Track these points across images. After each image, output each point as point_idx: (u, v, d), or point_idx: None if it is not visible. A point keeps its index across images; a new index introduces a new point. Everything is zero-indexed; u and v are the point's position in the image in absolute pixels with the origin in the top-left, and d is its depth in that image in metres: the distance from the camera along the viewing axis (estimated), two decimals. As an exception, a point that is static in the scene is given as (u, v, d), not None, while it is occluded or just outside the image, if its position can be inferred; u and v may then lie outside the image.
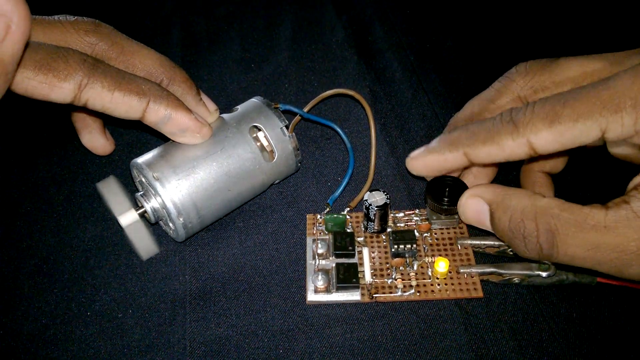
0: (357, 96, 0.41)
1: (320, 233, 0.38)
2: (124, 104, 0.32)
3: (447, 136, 0.34)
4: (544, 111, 0.29)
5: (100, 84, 0.31)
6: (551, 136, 0.29)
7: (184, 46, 0.54)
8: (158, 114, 0.34)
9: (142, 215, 0.36)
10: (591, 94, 0.28)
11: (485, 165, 0.38)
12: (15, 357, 0.34)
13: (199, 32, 0.56)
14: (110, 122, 0.44)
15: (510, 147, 0.31)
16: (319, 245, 0.37)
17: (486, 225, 0.33)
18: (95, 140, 0.42)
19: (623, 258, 0.27)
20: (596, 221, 0.28)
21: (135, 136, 0.46)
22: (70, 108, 0.40)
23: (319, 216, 0.39)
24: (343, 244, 0.37)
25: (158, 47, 0.53)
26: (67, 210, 0.41)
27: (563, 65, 0.34)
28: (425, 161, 0.35)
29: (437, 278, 0.35)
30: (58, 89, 0.30)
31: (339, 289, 0.35)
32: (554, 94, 0.30)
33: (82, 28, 0.35)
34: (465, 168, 0.38)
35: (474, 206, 0.33)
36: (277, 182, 0.40)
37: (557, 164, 0.38)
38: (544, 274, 0.34)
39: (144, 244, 0.36)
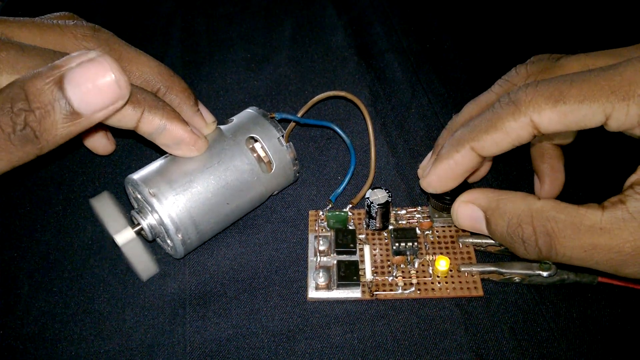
0: (349, 96, 0.42)
1: (322, 230, 0.38)
2: (117, 113, 0.31)
3: (451, 138, 0.33)
4: (548, 90, 0.28)
5: None
6: (555, 116, 0.28)
7: (184, 46, 0.54)
8: (152, 125, 0.33)
9: (139, 233, 0.35)
10: (601, 78, 0.27)
11: (494, 157, 0.37)
12: (15, 357, 0.34)
13: (199, 32, 0.56)
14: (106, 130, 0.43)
15: (514, 129, 0.30)
16: (321, 242, 0.37)
17: (482, 230, 0.33)
18: (96, 140, 0.42)
19: (619, 259, 0.27)
20: (592, 223, 0.28)
21: (136, 137, 0.45)
22: None
23: (321, 213, 0.39)
24: (345, 241, 0.37)
25: (158, 47, 0.54)
26: (67, 210, 0.41)
27: (564, 66, 0.34)
28: (438, 173, 0.34)
29: (438, 276, 0.35)
30: None
31: (339, 286, 0.35)
32: (559, 75, 0.29)
33: (80, 33, 0.35)
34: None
35: (468, 212, 0.33)
36: (275, 193, 0.40)
37: (567, 136, 0.37)
38: (544, 274, 0.34)
39: (143, 263, 0.35)
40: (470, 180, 0.39)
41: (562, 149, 0.38)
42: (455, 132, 0.33)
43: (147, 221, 0.35)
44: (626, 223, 0.27)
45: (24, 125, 0.27)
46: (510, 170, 0.41)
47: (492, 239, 0.33)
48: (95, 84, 0.28)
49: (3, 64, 0.29)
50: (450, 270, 0.36)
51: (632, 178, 0.28)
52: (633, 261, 0.27)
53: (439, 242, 0.37)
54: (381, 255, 0.37)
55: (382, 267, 0.36)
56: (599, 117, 0.28)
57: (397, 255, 0.36)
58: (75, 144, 0.43)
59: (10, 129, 0.27)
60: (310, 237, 0.38)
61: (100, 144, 0.42)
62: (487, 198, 0.32)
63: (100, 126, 0.41)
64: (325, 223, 0.38)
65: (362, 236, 0.38)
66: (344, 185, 0.40)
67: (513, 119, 0.29)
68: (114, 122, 0.32)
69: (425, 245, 0.37)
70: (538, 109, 0.28)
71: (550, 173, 0.38)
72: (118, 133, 0.39)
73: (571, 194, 0.38)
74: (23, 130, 0.27)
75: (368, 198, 0.36)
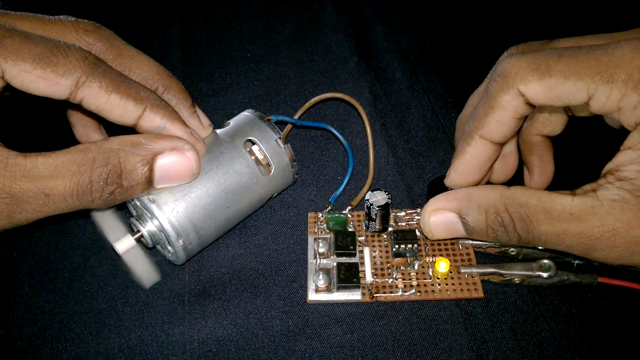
0: (347, 97, 0.42)
1: (321, 232, 0.38)
2: (119, 108, 0.32)
3: (462, 135, 0.34)
4: (535, 62, 0.29)
5: (98, 83, 0.30)
6: (541, 88, 0.29)
7: (184, 46, 0.54)
8: (153, 123, 0.33)
9: (139, 240, 0.35)
10: (589, 56, 0.28)
11: (510, 139, 0.37)
12: (15, 357, 0.34)
13: (199, 32, 0.56)
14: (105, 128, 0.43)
15: (508, 102, 0.30)
16: (320, 244, 0.37)
17: (459, 234, 0.33)
18: (89, 135, 0.41)
19: (589, 243, 0.28)
20: (563, 208, 0.29)
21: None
22: (66, 105, 0.40)
23: (320, 215, 0.39)
24: (344, 243, 0.37)
25: (158, 47, 0.54)
26: (67, 210, 0.41)
27: (556, 45, 0.33)
28: (457, 169, 0.34)
29: (438, 278, 0.35)
30: (55, 84, 0.30)
31: (339, 288, 0.35)
32: (549, 48, 0.30)
33: (82, 28, 0.35)
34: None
35: (441, 220, 0.33)
36: (275, 195, 0.40)
37: (556, 127, 0.37)
38: (544, 275, 0.34)
39: (145, 270, 0.35)
40: (504, 177, 0.39)
41: (551, 140, 0.38)
42: (465, 127, 0.33)
43: (147, 228, 0.34)
44: (595, 209, 0.28)
45: (110, 195, 0.31)
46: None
47: (471, 239, 0.33)
48: (178, 172, 0.33)
49: (8, 50, 0.29)
50: (450, 272, 0.36)
51: (608, 167, 0.29)
52: (602, 245, 0.28)
53: (438, 244, 0.37)
54: (381, 257, 0.37)
55: (382, 269, 0.36)
56: (582, 95, 0.28)
57: (397, 257, 0.36)
58: (73, 142, 0.43)
59: (98, 195, 0.31)
60: (310, 239, 0.38)
61: (93, 139, 0.42)
62: (456, 200, 0.32)
63: (97, 119, 0.41)
64: (325, 225, 0.38)
65: (362, 238, 0.38)
66: (343, 187, 0.40)
67: (504, 92, 0.30)
68: (115, 117, 0.32)
69: (425, 247, 0.37)
70: (525, 81, 0.29)
71: (540, 164, 0.38)
72: (115, 130, 0.39)
73: (561, 187, 0.38)
74: (108, 198, 0.31)
75: (368, 200, 0.36)
